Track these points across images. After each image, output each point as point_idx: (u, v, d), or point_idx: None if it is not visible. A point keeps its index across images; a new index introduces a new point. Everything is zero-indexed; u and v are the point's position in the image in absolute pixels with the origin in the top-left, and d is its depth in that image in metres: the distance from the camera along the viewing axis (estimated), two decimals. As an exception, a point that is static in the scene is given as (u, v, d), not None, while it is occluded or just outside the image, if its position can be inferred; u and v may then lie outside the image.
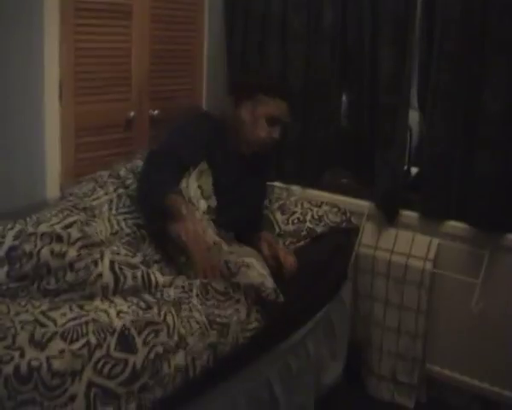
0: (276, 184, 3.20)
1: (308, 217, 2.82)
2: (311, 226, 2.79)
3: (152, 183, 2.26)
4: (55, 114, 2.68)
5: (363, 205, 3.05)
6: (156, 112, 3.10)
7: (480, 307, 2.69)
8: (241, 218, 2.49)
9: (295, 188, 3.22)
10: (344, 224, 2.92)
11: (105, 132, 2.90)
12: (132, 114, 3.00)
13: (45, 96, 2.64)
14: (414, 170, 3.16)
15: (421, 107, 2.95)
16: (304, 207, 2.89)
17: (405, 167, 3.05)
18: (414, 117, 3.07)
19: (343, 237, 2.94)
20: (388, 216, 2.96)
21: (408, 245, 2.89)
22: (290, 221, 2.81)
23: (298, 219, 2.82)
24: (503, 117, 2.61)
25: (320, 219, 2.82)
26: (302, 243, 2.74)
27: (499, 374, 2.78)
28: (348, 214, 2.96)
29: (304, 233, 2.76)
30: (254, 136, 2.53)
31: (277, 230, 2.79)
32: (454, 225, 2.83)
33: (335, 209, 2.92)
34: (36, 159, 2.68)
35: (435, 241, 2.85)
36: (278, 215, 2.85)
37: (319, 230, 2.80)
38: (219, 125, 2.58)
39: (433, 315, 2.89)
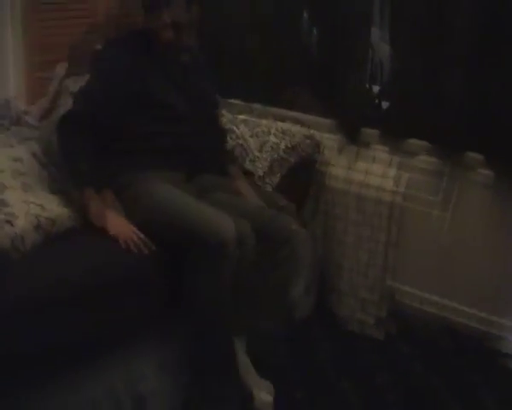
0: (237, 101, 3.16)
1: (281, 146, 2.81)
2: (284, 156, 2.78)
3: (66, 167, 2.26)
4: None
5: (325, 123, 3.03)
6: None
7: (443, 227, 2.72)
8: (196, 132, 2.43)
9: (257, 106, 3.16)
10: (316, 156, 2.93)
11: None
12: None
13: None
14: (377, 89, 3.14)
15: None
16: (272, 132, 2.86)
17: (368, 87, 3.03)
18: (385, 50, 3.04)
19: (313, 164, 2.95)
20: (350, 134, 2.96)
21: (370, 166, 2.89)
22: (263, 149, 2.78)
23: (271, 146, 2.79)
24: (467, 37, 2.59)
25: (294, 149, 2.82)
26: (278, 177, 2.75)
27: (462, 291, 2.84)
28: (321, 146, 2.96)
29: (276, 163, 2.76)
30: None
31: (250, 156, 2.76)
32: (417, 145, 2.84)
33: (308, 140, 2.91)
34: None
35: (397, 161, 2.86)
36: (249, 140, 2.81)
37: (293, 160, 2.81)
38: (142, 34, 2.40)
39: (399, 240, 2.89)
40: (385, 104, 2.98)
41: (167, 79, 2.37)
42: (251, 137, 2.81)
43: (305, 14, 3.15)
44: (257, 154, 2.76)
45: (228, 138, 2.75)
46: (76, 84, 2.61)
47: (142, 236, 2.11)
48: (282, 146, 2.79)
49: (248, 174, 2.68)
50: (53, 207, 2.12)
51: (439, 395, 2.55)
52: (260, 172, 2.72)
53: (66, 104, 2.54)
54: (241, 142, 2.78)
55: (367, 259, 2.91)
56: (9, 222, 1.95)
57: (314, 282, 2.92)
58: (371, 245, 2.89)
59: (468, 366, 2.71)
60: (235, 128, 2.84)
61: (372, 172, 2.88)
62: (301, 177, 2.86)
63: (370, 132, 2.94)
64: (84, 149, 2.23)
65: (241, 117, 2.96)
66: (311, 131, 2.95)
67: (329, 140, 2.99)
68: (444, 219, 2.76)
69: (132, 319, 2.07)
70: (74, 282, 1.90)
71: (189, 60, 2.45)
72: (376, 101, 3.04)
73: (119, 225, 2.15)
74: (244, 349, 2.38)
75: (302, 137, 2.88)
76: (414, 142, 2.84)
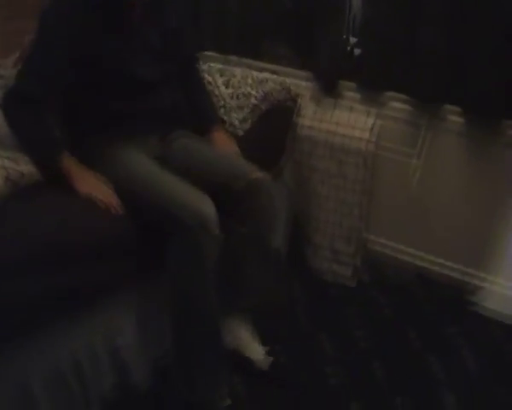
0: (213, 53, 3.14)
1: (253, 92, 2.78)
2: (255, 103, 2.75)
3: (27, 144, 2.13)
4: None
5: (302, 75, 3.01)
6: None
7: (418, 181, 2.72)
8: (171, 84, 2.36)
9: (233, 58, 3.13)
10: (288, 102, 2.91)
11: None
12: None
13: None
14: (354, 41, 3.10)
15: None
16: (248, 83, 2.83)
17: (345, 39, 2.99)
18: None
19: (286, 112, 2.93)
20: (327, 88, 2.93)
21: (346, 116, 2.87)
22: (235, 96, 2.75)
23: (243, 94, 2.76)
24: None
25: (265, 96, 2.79)
26: (249, 123, 2.71)
27: (436, 245, 2.86)
28: (293, 92, 2.94)
29: (248, 110, 2.72)
30: None
31: (222, 102, 2.73)
32: (393, 97, 2.83)
33: (280, 87, 2.88)
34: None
35: (374, 114, 2.85)
36: (223, 89, 2.78)
37: (264, 107, 2.78)
38: None
39: (372, 190, 2.91)
40: (359, 54, 2.94)
41: (130, 35, 2.21)
42: (225, 86, 2.78)
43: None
44: (229, 102, 2.73)
45: (205, 87, 2.69)
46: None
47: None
48: (254, 93, 2.77)
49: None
50: (22, 159, 2.08)
51: (412, 341, 2.60)
52: (235, 122, 2.68)
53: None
54: (216, 92, 2.75)
55: (342, 209, 2.92)
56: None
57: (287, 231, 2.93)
58: (347, 196, 2.89)
59: (442, 316, 2.75)
60: (208, 77, 2.80)
61: (348, 122, 2.86)
62: (273, 124, 2.83)
63: (347, 84, 2.92)
64: (43, 118, 2.14)
65: (217, 66, 2.92)
66: (286, 80, 2.93)
67: (306, 90, 2.97)
68: (419, 169, 2.77)
69: (109, 276, 2.06)
70: (47, 238, 1.87)
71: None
72: (350, 50, 3.00)
73: (99, 186, 2.11)
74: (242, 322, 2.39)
75: (274, 84, 2.86)
76: (391, 94, 2.82)
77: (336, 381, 2.38)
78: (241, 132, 2.67)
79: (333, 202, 2.93)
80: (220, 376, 2.16)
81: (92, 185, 2.09)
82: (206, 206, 2.03)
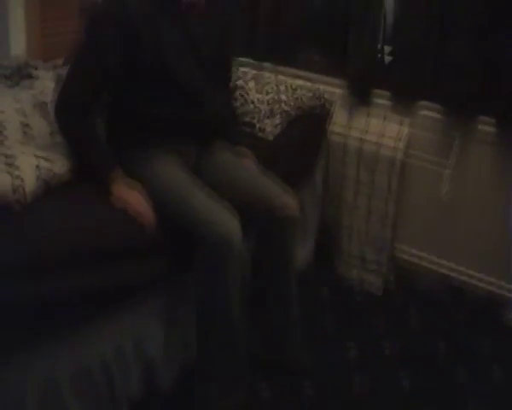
0: (247, 60, 3.15)
1: (283, 98, 2.79)
2: (286, 109, 2.75)
3: (81, 156, 2.13)
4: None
5: (336, 84, 3.01)
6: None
7: (449, 191, 2.70)
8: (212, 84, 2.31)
9: (267, 65, 3.14)
10: (318, 109, 2.91)
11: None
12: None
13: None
14: (388, 50, 3.09)
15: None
16: (281, 89, 2.84)
17: (379, 47, 2.98)
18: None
19: (316, 119, 2.93)
20: (360, 96, 2.93)
21: (378, 124, 2.87)
22: (266, 101, 2.76)
23: (274, 99, 2.77)
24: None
25: (295, 102, 2.79)
26: (279, 128, 2.71)
27: (466, 255, 2.84)
28: (323, 99, 2.94)
29: (279, 116, 2.73)
30: None
31: (252, 107, 2.72)
32: (425, 106, 2.82)
33: (311, 93, 2.89)
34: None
35: (407, 123, 2.84)
36: (254, 94, 2.77)
37: (294, 113, 2.80)
38: None
39: (403, 199, 2.90)
40: (391, 62, 2.96)
41: (178, 34, 2.18)
42: (257, 91, 2.77)
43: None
44: (260, 107, 2.72)
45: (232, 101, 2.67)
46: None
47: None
48: (285, 99, 2.78)
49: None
50: (54, 159, 2.11)
51: (440, 352, 2.59)
52: (266, 127, 2.68)
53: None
54: (247, 96, 2.75)
55: (372, 217, 2.91)
56: (13, 173, 1.94)
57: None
58: (377, 204, 2.89)
59: (471, 327, 2.73)
60: (241, 82, 2.81)
61: (379, 130, 2.86)
62: (304, 131, 2.84)
63: (379, 92, 2.92)
64: (93, 132, 2.15)
65: (251, 72, 2.93)
66: (319, 87, 2.95)
67: (338, 97, 2.98)
68: (450, 178, 2.75)
69: (137, 278, 2.07)
70: (76, 239, 1.88)
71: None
72: (383, 58, 3.01)
73: (140, 206, 2.07)
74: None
75: (306, 91, 2.87)
76: (423, 103, 2.81)
77: (362, 389, 2.37)
78: (270, 137, 2.68)
79: (363, 210, 2.93)
80: (236, 393, 2.19)
81: (131, 202, 2.07)
82: (231, 224, 2.03)
